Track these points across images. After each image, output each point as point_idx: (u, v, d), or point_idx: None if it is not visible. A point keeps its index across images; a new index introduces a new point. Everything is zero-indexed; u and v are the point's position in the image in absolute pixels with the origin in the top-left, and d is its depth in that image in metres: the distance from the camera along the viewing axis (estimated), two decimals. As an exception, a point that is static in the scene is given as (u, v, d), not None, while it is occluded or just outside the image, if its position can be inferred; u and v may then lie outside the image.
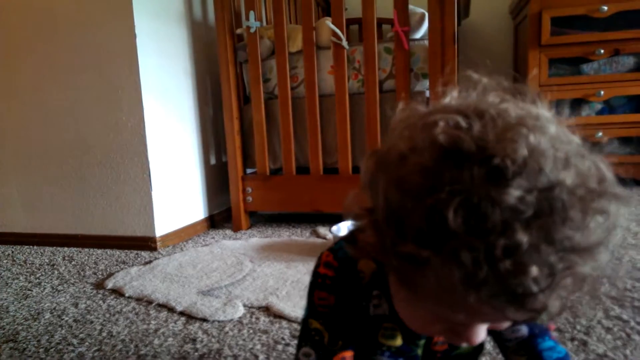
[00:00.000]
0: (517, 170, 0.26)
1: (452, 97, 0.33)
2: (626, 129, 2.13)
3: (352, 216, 0.36)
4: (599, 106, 2.17)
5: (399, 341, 0.46)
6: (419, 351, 0.48)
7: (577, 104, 2.19)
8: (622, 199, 0.30)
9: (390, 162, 0.31)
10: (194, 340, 0.90)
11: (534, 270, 0.26)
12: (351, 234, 0.36)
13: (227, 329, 0.94)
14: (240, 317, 0.98)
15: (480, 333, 0.35)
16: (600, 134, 2.13)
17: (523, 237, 0.26)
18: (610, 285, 1.02)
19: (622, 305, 0.93)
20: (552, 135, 0.29)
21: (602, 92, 2.11)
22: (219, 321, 0.97)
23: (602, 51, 2.09)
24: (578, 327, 0.85)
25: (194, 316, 1.00)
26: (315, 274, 0.47)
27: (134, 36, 1.47)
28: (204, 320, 0.98)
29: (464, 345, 0.38)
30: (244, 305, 1.04)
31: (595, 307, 0.91)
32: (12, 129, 1.70)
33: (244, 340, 0.89)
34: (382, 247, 0.31)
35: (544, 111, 0.31)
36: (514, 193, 0.26)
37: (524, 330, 0.47)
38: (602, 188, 0.29)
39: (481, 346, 0.51)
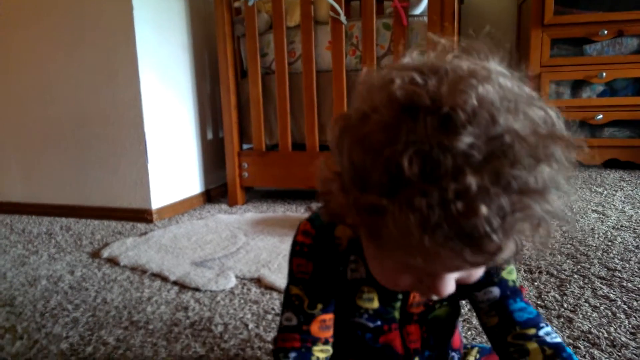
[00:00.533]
0: (468, 119, 0.28)
1: (411, 57, 0.34)
2: (627, 112, 2.12)
3: (322, 181, 0.37)
4: (600, 88, 2.15)
5: (375, 304, 0.47)
6: (396, 313, 0.49)
7: (578, 85, 2.17)
8: (571, 143, 0.31)
9: (353, 123, 0.33)
10: (185, 309, 0.92)
11: (484, 211, 0.27)
12: (323, 198, 0.37)
13: (218, 298, 0.96)
14: (232, 288, 1.00)
15: (448, 284, 0.36)
16: (600, 116, 2.12)
17: (473, 180, 0.27)
18: (600, 266, 1.03)
19: (611, 285, 0.94)
20: (502, 85, 0.30)
21: (604, 74, 2.09)
22: (211, 291, 0.99)
23: (605, 32, 2.06)
24: (565, 305, 0.86)
25: (186, 286, 1.02)
26: (294, 243, 0.48)
27: (132, 9, 1.46)
28: (197, 289, 1.00)
29: (435, 297, 0.39)
30: (236, 277, 1.06)
31: (547, 252, 0.93)
32: (10, 102, 1.70)
33: (234, 309, 0.91)
34: (348, 205, 0.32)
35: (495, 65, 0.33)
36: (464, 140, 0.27)
37: (495, 291, 0.48)
38: (551, 133, 0.30)
39: (457, 310, 0.52)
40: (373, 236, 0.33)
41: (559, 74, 2.16)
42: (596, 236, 1.24)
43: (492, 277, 0.48)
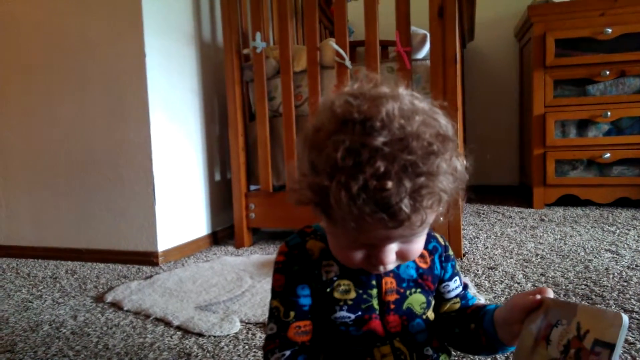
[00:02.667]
0: (382, 126, 0.40)
1: (350, 86, 0.46)
2: (634, 150, 2.11)
3: (292, 180, 0.49)
4: (606, 127, 2.16)
5: (352, 293, 0.53)
6: (375, 302, 0.53)
7: (584, 125, 2.18)
8: (452, 139, 0.43)
9: (310, 135, 0.45)
10: (188, 355, 0.89)
11: (390, 185, 0.39)
12: (292, 190, 0.48)
13: (222, 344, 0.93)
14: (236, 333, 0.98)
15: (388, 254, 0.46)
16: (608, 154, 2.11)
17: (382, 165, 0.39)
18: (616, 308, 1.00)
19: (629, 328, 0.90)
20: (408, 102, 0.43)
21: (609, 113, 2.10)
22: (215, 336, 0.97)
23: (607, 72, 2.09)
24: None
25: (190, 331, 1.00)
26: (275, 263, 0.56)
27: (144, 55, 1.51)
28: (200, 335, 0.98)
29: (382, 268, 0.48)
30: (241, 321, 1.03)
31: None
32: (21, 144, 1.74)
33: (238, 355, 0.88)
34: (310, 191, 0.44)
35: (404, 90, 0.45)
36: (379, 139, 0.40)
37: (459, 281, 0.60)
38: (440, 134, 0.42)
39: (429, 301, 0.57)
40: (325, 213, 0.44)
41: (564, 114, 2.18)
42: (611, 276, 1.21)
43: (455, 268, 0.60)
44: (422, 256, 0.57)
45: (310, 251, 0.54)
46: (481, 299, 0.59)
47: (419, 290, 0.56)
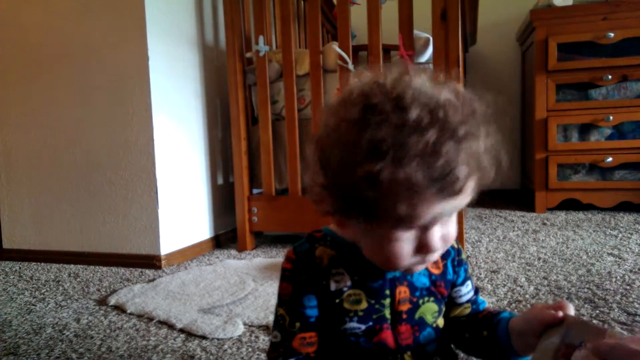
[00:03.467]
0: (412, 99, 0.40)
1: (365, 76, 0.45)
2: (637, 154, 2.11)
3: (311, 193, 0.47)
4: (608, 131, 2.16)
5: (364, 304, 0.51)
6: (387, 312, 0.52)
7: (586, 129, 2.18)
8: (481, 110, 0.43)
9: (329, 135, 0.43)
10: (192, 358, 0.89)
11: (445, 150, 0.38)
12: (316, 205, 0.48)
13: (226, 346, 0.93)
14: (239, 336, 0.98)
15: (435, 237, 0.44)
16: (610, 159, 2.11)
17: (433, 134, 0.38)
18: (619, 311, 1.00)
19: (632, 330, 0.90)
20: (424, 77, 0.43)
21: (611, 117, 2.10)
22: (218, 339, 0.97)
23: (609, 77, 2.10)
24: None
25: (193, 333, 1.00)
26: (282, 269, 0.54)
27: (147, 58, 1.52)
28: (204, 337, 0.98)
29: (432, 258, 0.46)
30: (245, 324, 1.03)
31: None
32: (24, 147, 1.75)
33: (242, 358, 0.88)
34: (335, 198, 0.44)
35: (422, 75, 0.44)
36: (415, 110, 0.39)
37: (471, 285, 0.59)
38: (468, 103, 0.42)
39: (441, 309, 0.55)
40: (362, 212, 0.42)
41: (566, 118, 2.18)
42: (613, 280, 1.20)
43: (467, 272, 0.59)
44: (434, 261, 0.55)
45: (319, 259, 0.52)
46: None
47: (431, 299, 0.54)
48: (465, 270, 0.58)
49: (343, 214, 0.45)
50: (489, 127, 0.43)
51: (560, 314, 0.45)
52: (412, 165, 0.38)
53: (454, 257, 0.57)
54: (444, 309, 0.56)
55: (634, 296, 1.08)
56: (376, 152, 0.38)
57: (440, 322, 0.56)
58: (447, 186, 0.39)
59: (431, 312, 0.54)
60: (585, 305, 1.04)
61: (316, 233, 0.55)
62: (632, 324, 0.93)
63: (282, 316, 0.53)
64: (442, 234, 0.45)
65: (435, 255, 0.47)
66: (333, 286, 0.51)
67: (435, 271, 0.55)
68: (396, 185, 0.38)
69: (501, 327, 0.52)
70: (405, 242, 0.44)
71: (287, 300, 0.52)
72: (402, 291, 0.52)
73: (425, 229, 0.44)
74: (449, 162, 0.38)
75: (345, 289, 0.51)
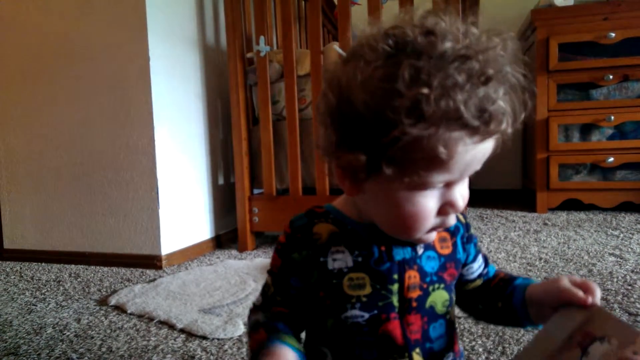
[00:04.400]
0: (442, 35, 0.38)
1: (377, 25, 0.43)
2: (637, 154, 2.10)
3: (326, 152, 0.44)
4: (609, 131, 2.15)
5: (368, 289, 0.47)
6: (394, 299, 0.47)
7: (587, 129, 2.18)
8: (511, 49, 0.41)
9: (350, 82, 0.40)
10: (192, 358, 0.89)
11: (490, 72, 0.37)
12: (334, 172, 0.45)
13: (226, 346, 0.93)
14: (240, 336, 0.98)
15: (462, 191, 0.43)
16: (611, 159, 2.11)
17: (475, 64, 0.37)
18: (621, 311, 0.99)
19: None
20: (454, 18, 0.41)
21: (612, 117, 2.10)
22: (218, 339, 0.97)
23: (611, 77, 2.09)
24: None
25: (194, 334, 1.00)
26: (277, 241, 0.52)
27: (148, 59, 1.52)
28: (204, 337, 0.98)
29: (451, 221, 0.44)
30: (245, 324, 1.03)
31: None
32: (26, 148, 1.75)
33: (242, 358, 0.88)
34: (360, 149, 0.40)
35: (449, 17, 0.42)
36: (449, 43, 0.38)
37: (481, 260, 0.56)
38: (493, 32, 0.40)
39: (452, 298, 0.51)
40: (395, 159, 0.39)
41: (567, 118, 2.18)
42: (615, 280, 1.20)
43: (477, 246, 0.55)
44: (443, 240, 0.51)
45: (316, 235, 0.48)
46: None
47: (442, 286, 0.50)
48: (475, 245, 0.55)
49: (367, 168, 0.41)
50: (518, 66, 0.41)
51: (590, 299, 0.43)
52: (458, 95, 0.36)
53: (463, 233, 0.53)
54: (454, 298, 0.52)
55: (635, 296, 1.08)
56: (421, 80, 0.36)
57: (452, 314, 0.52)
58: (487, 122, 0.37)
59: (442, 300, 0.50)
60: None
61: (317, 208, 0.51)
62: (634, 324, 0.92)
63: (268, 285, 0.52)
64: (462, 194, 0.43)
65: (452, 220, 0.45)
66: (331, 264, 0.47)
67: (445, 251, 0.51)
68: (442, 114, 0.36)
69: (516, 297, 0.50)
70: (430, 199, 0.42)
71: (275, 274, 0.51)
72: (412, 276, 0.47)
73: (449, 185, 0.42)
74: (490, 96, 0.37)
75: (345, 269, 0.47)
